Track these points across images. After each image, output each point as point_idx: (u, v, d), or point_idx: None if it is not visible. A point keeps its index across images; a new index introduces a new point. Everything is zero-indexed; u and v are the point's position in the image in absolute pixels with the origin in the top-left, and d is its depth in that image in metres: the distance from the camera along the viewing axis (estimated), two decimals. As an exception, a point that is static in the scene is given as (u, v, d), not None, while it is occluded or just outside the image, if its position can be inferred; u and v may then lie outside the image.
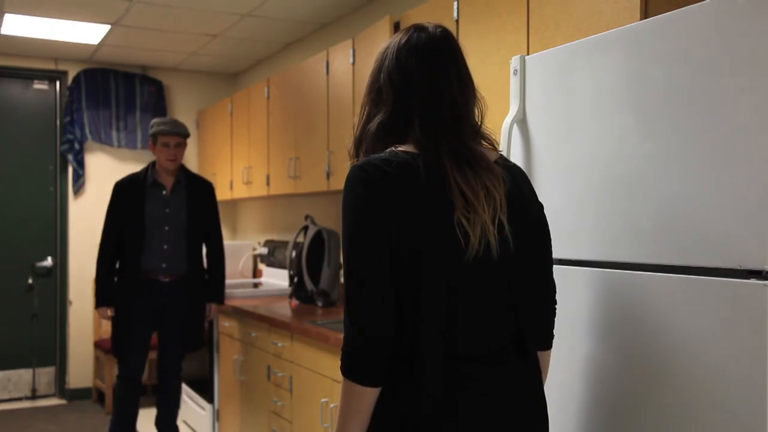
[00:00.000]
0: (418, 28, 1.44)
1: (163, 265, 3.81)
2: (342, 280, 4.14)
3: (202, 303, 3.98)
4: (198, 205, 3.93)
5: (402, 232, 1.30)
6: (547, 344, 1.55)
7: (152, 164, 3.92)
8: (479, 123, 1.46)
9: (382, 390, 1.33)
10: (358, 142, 1.46)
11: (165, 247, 3.82)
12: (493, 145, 1.48)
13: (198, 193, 3.95)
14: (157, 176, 3.88)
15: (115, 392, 3.89)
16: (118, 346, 3.85)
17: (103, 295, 3.87)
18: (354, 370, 1.31)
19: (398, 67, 1.41)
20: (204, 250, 4.01)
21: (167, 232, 3.83)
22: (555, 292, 1.56)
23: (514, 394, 1.38)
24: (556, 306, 1.57)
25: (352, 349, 1.31)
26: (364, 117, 1.46)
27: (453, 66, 1.43)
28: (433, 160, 1.34)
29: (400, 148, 1.37)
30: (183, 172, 3.94)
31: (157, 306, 3.84)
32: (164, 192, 3.86)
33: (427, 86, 1.40)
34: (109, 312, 3.85)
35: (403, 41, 1.43)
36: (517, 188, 1.44)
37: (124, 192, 3.86)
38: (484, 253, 1.33)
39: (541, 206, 1.51)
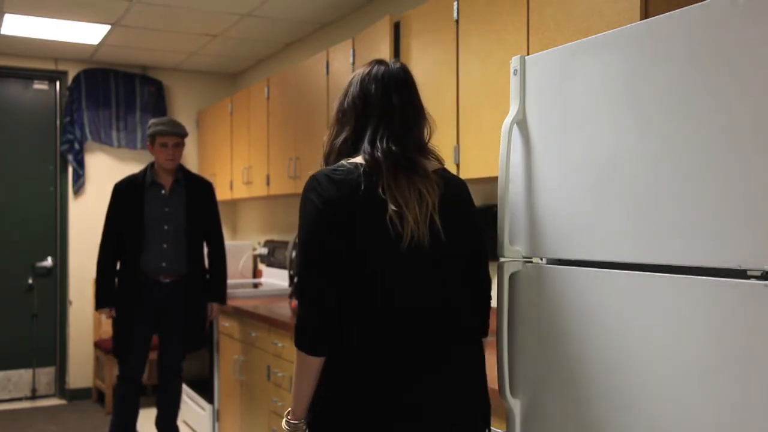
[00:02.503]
0: (379, 62, 1.75)
1: (163, 264, 3.81)
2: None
3: (203, 303, 3.97)
4: (197, 205, 3.93)
5: (346, 228, 1.58)
6: (483, 331, 1.79)
7: (151, 165, 3.93)
8: (427, 140, 1.76)
9: (331, 356, 1.61)
10: (327, 155, 1.75)
11: (164, 246, 3.82)
12: (437, 159, 1.76)
13: (197, 193, 3.95)
14: (156, 176, 3.88)
15: (116, 392, 3.90)
16: (118, 347, 3.85)
17: (103, 296, 3.86)
18: (304, 343, 1.60)
19: (361, 92, 1.71)
20: (205, 250, 4.02)
21: (167, 231, 3.83)
22: (490, 287, 1.83)
23: (444, 372, 1.64)
24: (491, 299, 1.83)
25: (303, 326, 1.60)
26: (333, 134, 1.76)
27: (406, 93, 1.73)
28: (373, 169, 1.62)
29: (348, 161, 1.66)
30: (182, 171, 3.94)
31: (158, 306, 3.83)
32: (163, 191, 3.86)
33: (382, 107, 1.69)
34: (111, 312, 3.84)
35: (366, 72, 1.73)
36: (450, 194, 1.71)
37: (124, 193, 3.86)
38: (416, 244, 1.60)
39: (476, 212, 1.79)
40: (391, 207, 1.58)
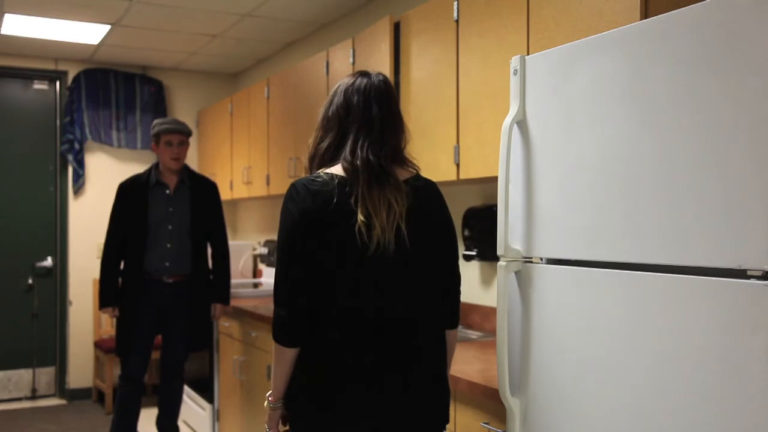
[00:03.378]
0: (363, 74, 1.89)
1: (167, 264, 3.80)
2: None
3: (206, 303, 3.95)
4: (202, 205, 3.91)
5: (318, 235, 1.75)
6: (452, 324, 1.94)
7: (155, 165, 3.92)
8: (402, 148, 1.89)
9: (305, 347, 1.78)
10: (312, 158, 1.90)
11: (168, 246, 3.81)
12: (412, 167, 1.90)
13: (202, 193, 3.94)
14: (161, 176, 3.87)
15: (117, 392, 3.89)
16: (121, 346, 3.84)
17: (107, 296, 3.84)
18: (279, 336, 1.79)
19: (344, 102, 1.86)
20: (209, 250, 4.00)
21: (171, 231, 3.82)
22: (459, 282, 1.95)
23: (400, 355, 1.78)
24: (460, 294, 1.96)
25: (278, 321, 1.78)
26: (317, 139, 1.89)
27: (385, 105, 1.86)
28: (350, 179, 1.77)
29: (325, 171, 1.80)
30: (186, 171, 3.93)
31: (161, 306, 3.82)
32: (167, 191, 3.85)
33: (362, 117, 1.83)
34: (114, 312, 3.84)
35: (350, 83, 1.88)
36: (419, 202, 1.83)
37: (128, 193, 3.85)
38: (382, 250, 1.75)
39: (446, 216, 1.91)
40: (360, 217, 1.74)
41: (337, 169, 1.81)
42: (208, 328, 4.03)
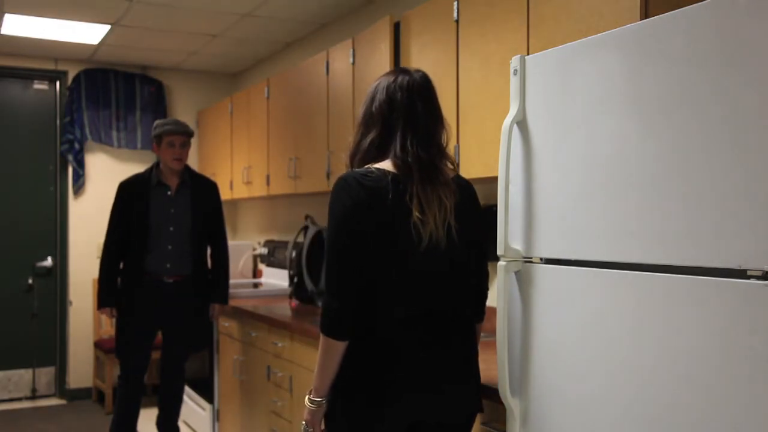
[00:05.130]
0: (403, 71, 1.91)
1: (168, 266, 3.78)
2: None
3: (205, 303, 3.95)
4: (203, 206, 3.90)
5: (373, 227, 1.76)
6: (481, 318, 2.00)
7: (156, 165, 3.89)
8: (445, 145, 1.91)
9: (354, 340, 1.78)
10: (353, 155, 1.91)
11: (169, 247, 3.79)
12: (453, 165, 1.93)
13: (203, 194, 3.92)
14: (162, 177, 3.84)
15: (117, 392, 3.88)
16: (120, 347, 3.83)
17: (105, 296, 3.82)
18: (331, 328, 1.78)
19: (387, 98, 1.86)
20: (208, 250, 4.00)
21: (172, 232, 3.80)
22: (488, 278, 2.01)
23: (442, 346, 1.83)
24: (488, 289, 2.02)
25: (329, 313, 1.78)
26: (359, 136, 1.91)
27: (429, 101, 1.89)
28: (402, 175, 1.79)
29: (376, 166, 1.81)
30: (188, 172, 3.91)
31: (161, 306, 3.80)
32: (169, 192, 3.83)
33: (407, 113, 1.84)
34: (112, 312, 3.82)
35: (391, 80, 1.88)
36: (464, 200, 1.88)
37: (129, 192, 3.83)
38: (434, 245, 1.79)
39: (482, 213, 1.98)
40: (416, 213, 1.77)
41: (387, 165, 1.82)
42: (208, 328, 4.02)
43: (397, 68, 1.95)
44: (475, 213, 1.94)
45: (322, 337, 1.81)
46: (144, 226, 3.75)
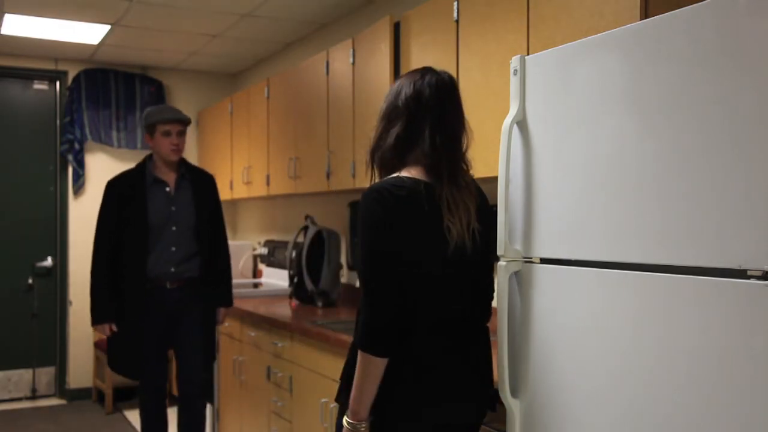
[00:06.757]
0: (430, 70, 1.85)
1: (171, 270, 3.40)
2: (342, 280, 4.15)
3: (213, 308, 3.59)
4: (205, 201, 3.52)
5: (408, 237, 1.72)
6: (489, 319, 1.95)
7: (148, 158, 3.51)
8: (465, 150, 1.88)
9: (395, 356, 1.71)
10: (374, 151, 1.86)
11: (173, 249, 3.40)
12: (468, 168, 1.89)
13: (203, 187, 3.55)
14: (157, 172, 3.45)
15: (140, 406, 3.51)
16: (127, 366, 3.44)
17: (101, 310, 3.39)
18: (372, 345, 1.69)
19: (414, 94, 1.80)
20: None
21: (175, 233, 3.41)
22: (494, 279, 1.97)
23: (471, 351, 1.83)
24: (493, 291, 1.98)
25: (371, 329, 1.69)
26: (380, 131, 1.85)
27: (456, 101, 1.85)
28: (433, 183, 1.76)
29: (404, 175, 1.77)
30: (185, 165, 3.53)
31: (168, 315, 3.41)
32: (168, 189, 3.44)
33: (436, 111, 1.80)
34: (111, 328, 3.40)
35: (418, 77, 1.83)
36: (482, 204, 1.87)
37: (120, 192, 3.43)
38: (460, 249, 1.77)
39: (494, 214, 1.92)
40: (447, 218, 1.75)
41: (416, 172, 1.78)
42: (215, 336, 3.67)
43: (424, 67, 1.88)
44: (489, 215, 1.93)
45: (360, 355, 1.71)
46: (142, 227, 3.35)
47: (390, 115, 1.83)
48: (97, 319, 3.40)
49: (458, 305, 1.80)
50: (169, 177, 3.48)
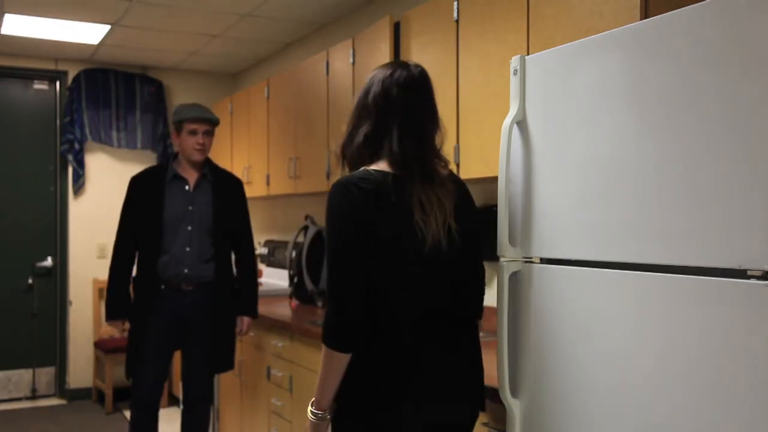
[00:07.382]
0: (401, 65, 1.84)
1: (185, 271, 3.30)
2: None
3: (231, 315, 3.47)
4: (226, 203, 3.44)
5: (376, 232, 1.70)
6: (480, 314, 1.95)
7: (174, 156, 3.46)
8: (439, 147, 1.86)
9: (359, 350, 1.72)
10: (345, 148, 1.86)
11: (187, 249, 3.31)
12: (446, 164, 1.87)
13: (226, 190, 3.46)
14: (180, 169, 3.38)
15: (130, 422, 3.39)
16: (130, 365, 3.33)
17: (116, 306, 3.36)
18: (334, 340, 1.71)
19: (382, 92, 1.80)
20: (233, 255, 3.54)
21: (190, 232, 3.32)
22: (484, 274, 1.96)
23: (452, 347, 1.80)
24: (484, 285, 1.97)
25: (334, 324, 1.71)
26: (351, 128, 1.85)
27: (425, 98, 1.84)
28: (402, 177, 1.74)
29: (372, 168, 1.76)
30: (209, 165, 3.44)
31: (180, 319, 3.32)
32: (187, 187, 3.36)
33: (404, 109, 1.79)
34: (125, 325, 3.38)
35: (388, 74, 1.82)
36: (462, 199, 1.85)
37: (141, 187, 3.38)
38: (436, 246, 1.75)
39: (477, 211, 1.94)
40: (418, 215, 1.72)
41: (384, 165, 1.77)
42: (234, 345, 3.49)
43: (396, 61, 1.86)
44: (470, 211, 1.90)
45: (324, 348, 1.73)
46: (157, 224, 3.28)
47: (360, 113, 1.83)
48: (110, 314, 3.39)
49: (433, 303, 1.77)
50: (191, 175, 3.40)
